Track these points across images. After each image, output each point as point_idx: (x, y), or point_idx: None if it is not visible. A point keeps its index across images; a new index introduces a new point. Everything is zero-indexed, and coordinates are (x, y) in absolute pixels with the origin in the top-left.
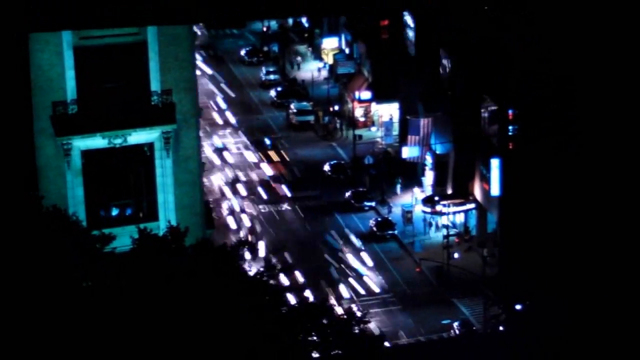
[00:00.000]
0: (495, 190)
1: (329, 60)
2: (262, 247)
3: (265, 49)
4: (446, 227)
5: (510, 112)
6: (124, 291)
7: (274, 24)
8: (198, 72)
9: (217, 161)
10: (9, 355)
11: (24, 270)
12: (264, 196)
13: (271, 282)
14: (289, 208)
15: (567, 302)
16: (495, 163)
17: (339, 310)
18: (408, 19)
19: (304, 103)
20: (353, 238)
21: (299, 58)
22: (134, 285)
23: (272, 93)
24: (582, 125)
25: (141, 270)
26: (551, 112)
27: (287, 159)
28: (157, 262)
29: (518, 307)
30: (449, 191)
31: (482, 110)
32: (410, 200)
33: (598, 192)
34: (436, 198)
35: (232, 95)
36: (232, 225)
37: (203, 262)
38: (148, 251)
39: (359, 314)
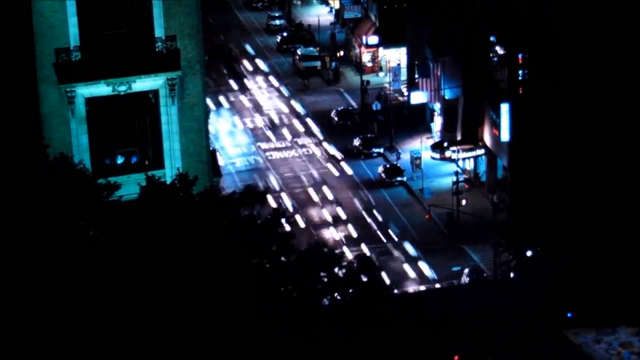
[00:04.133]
0: (505, 135)
1: (336, 4)
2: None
3: None
4: (455, 173)
5: (520, 56)
6: (131, 239)
7: None
8: None
9: None
10: (11, 303)
11: (30, 219)
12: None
13: (279, 228)
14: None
15: (578, 247)
16: (504, 108)
17: (349, 256)
18: None
19: (310, 48)
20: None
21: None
22: (140, 233)
23: (278, 38)
24: (591, 70)
25: (148, 218)
26: (561, 55)
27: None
28: (165, 209)
29: (528, 253)
30: (458, 137)
31: (492, 55)
32: (419, 146)
33: (608, 135)
34: (445, 144)
35: None
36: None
37: (210, 210)
38: (156, 198)
39: (368, 261)
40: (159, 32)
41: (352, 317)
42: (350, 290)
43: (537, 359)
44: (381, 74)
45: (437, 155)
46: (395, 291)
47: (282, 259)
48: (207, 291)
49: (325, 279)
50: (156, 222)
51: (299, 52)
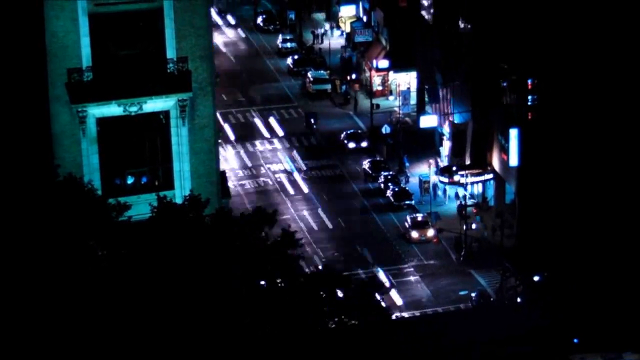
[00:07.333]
0: (513, 160)
1: (347, 28)
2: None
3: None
4: (463, 197)
5: (529, 81)
6: (140, 260)
7: None
8: None
9: None
10: (21, 322)
11: (39, 238)
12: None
13: (288, 251)
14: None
15: (585, 273)
16: (513, 133)
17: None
18: None
19: (321, 71)
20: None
21: (321, 29)
22: (150, 254)
23: (289, 61)
24: (601, 95)
25: (158, 239)
26: (570, 81)
27: None
28: (175, 230)
29: (536, 278)
30: (467, 161)
31: (501, 80)
32: (427, 170)
33: (617, 162)
34: (454, 168)
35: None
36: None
37: (220, 232)
38: (166, 220)
39: (379, 282)
40: (170, 53)
41: (359, 341)
42: (358, 314)
43: None
44: (391, 98)
45: (446, 180)
46: (404, 314)
47: (290, 280)
48: (215, 312)
49: (333, 302)
50: (166, 242)
51: (309, 75)
